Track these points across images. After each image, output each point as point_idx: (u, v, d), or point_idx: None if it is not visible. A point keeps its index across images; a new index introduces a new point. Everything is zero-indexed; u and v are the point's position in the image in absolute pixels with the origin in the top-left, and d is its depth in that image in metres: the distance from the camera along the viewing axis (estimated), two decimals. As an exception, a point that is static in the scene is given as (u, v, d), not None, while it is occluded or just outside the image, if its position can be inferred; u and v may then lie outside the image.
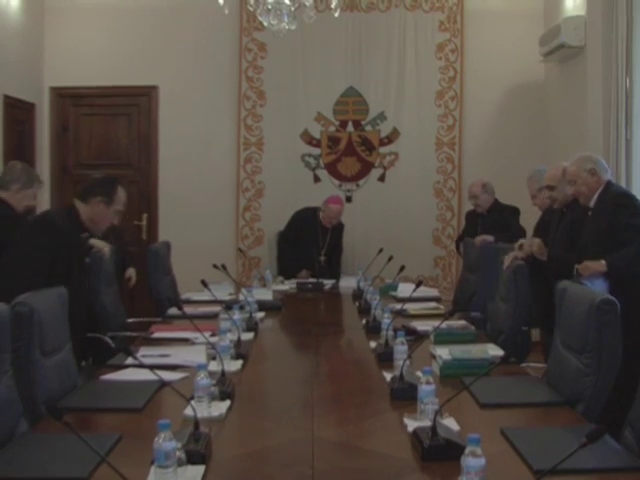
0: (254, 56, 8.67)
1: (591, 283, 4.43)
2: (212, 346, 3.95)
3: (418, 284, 4.97)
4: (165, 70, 8.66)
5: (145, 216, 8.77)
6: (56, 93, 8.74)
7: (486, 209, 7.45)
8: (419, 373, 3.29)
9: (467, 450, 2.28)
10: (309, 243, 7.64)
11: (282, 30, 5.70)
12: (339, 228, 7.91)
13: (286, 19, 5.55)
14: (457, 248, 8.03)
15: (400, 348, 3.80)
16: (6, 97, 7.57)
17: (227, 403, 3.35)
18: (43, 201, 8.53)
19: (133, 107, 8.85)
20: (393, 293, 6.33)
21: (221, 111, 8.73)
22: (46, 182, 8.63)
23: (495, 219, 7.34)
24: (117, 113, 8.86)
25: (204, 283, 4.98)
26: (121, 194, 4.63)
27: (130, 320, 6.02)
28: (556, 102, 8.15)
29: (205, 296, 5.69)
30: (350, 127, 8.74)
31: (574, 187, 5.15)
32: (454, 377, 3.76)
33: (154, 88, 8.74)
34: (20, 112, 8.07)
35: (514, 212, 7.38)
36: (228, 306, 5.11)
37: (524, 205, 8.20)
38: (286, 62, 8.62)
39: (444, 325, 4.22)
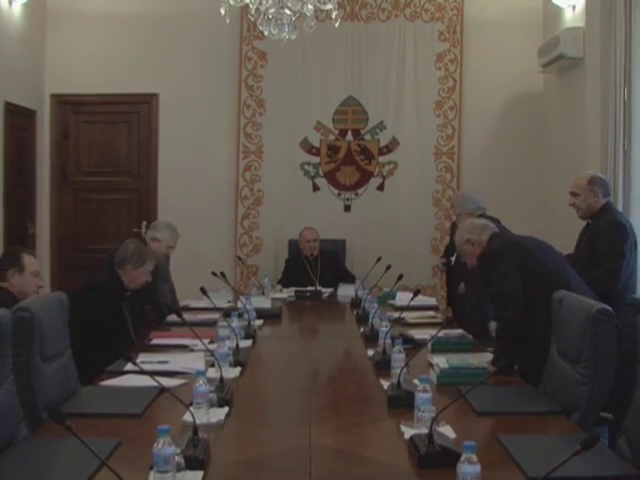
0: (254, 65, 8.70)
1: None
2: (211, 353, 3.97)
3: (416, 293, 5.00)
4: (165, 78, 8.69)
5: (144, 224, 8.77)
6: (57, 100, 8.77)
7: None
8: (416, 381, 3.31)
9: (463, 457, 2.30)
10: (301, 278, 7.55)
11: (282, 39, 5.73)
12: (331, 258, 7.87)
13: (287, 29, 5.57)
14: (445, 264, 7.47)
15: (397, 356, 3.82)
16: (7, 104, 7.60)
17: (225, 410, 3.37)
18: (43, 207, 8.59)
19: (133, 115, 8.87)
20: (391, 302, 6.34)
21: (221, 119, 8.75)
22: (46, 189, 8.68)
23: None
24: (117, 120, 8.89)
25: (203, 290, 4.99)
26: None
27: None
28: (555, 113, 8.18)
29: (204, 303, 5.70)
30: (349, 136, 8.77)
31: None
32: (451, 385, 3.78)
33: (154, 96, 8.77)
34: (21, 119, 8.10)
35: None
36: (227, 314, 5.12)
37: (522, 214, 8.27)
38: (286, 71, 8.65)
39: (441, 334, 4.25)
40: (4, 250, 4.81)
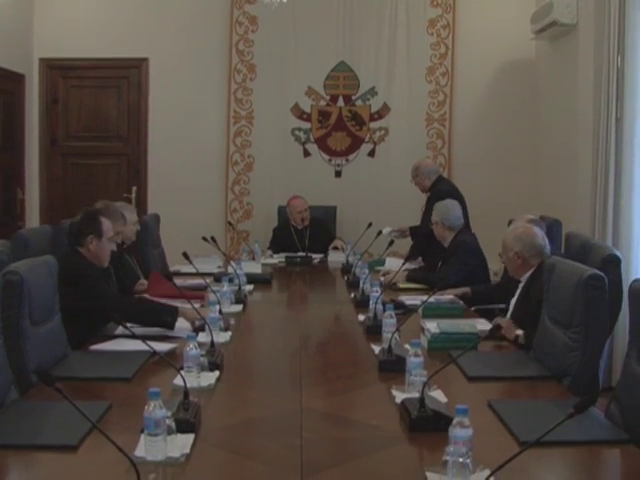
0: (245, 29, 8.62)
1: None
2: (201, 317, 3.96)
3: (407, 259, 5.00)
4: (156, 42, 8.59)
5: (134, 189, 8.74)
6: (46, 64, 8.68)
7: (424, 190, 7.22)
8: (407, 346, 3.31)
9: (455, 420, 2.30)
10: (290, 249, 7.55)
11: (274, 3, 5.67)
12: (320, 226, 7.86)
13: (278, -8, 5.52)
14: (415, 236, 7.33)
15: (389, 321, 3.82)
16: (-5, 68, 7.54)
17: (216, 374, 3.37)
18: (32, 172, 8.54)
19: (123, 79, 8.79)
20: (379, 268, 6.34)
21: (211, 84, 8.68)
22: (35, 154, 8.62)
23: (429, 200, 7.00)
24: (107, 85, 8.80)
25: (185, 255, 4.84)
26: (107, 223, 4.56)
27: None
28: (547, 80, 8.14)
29: (193, 269, 5.69)
30: (340, 102, 8.71)
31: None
32: (442, 350, 3.79)
33: (144, 60, 8.69)
34: (9, 83, 8.03)
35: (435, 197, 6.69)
36: (217, 279, 5.11)
37: (514, 180, 8.27)
38: (277, 36, 8.57)
39: (432, 299, 4.25)
40: (83, 213, 4.60)
